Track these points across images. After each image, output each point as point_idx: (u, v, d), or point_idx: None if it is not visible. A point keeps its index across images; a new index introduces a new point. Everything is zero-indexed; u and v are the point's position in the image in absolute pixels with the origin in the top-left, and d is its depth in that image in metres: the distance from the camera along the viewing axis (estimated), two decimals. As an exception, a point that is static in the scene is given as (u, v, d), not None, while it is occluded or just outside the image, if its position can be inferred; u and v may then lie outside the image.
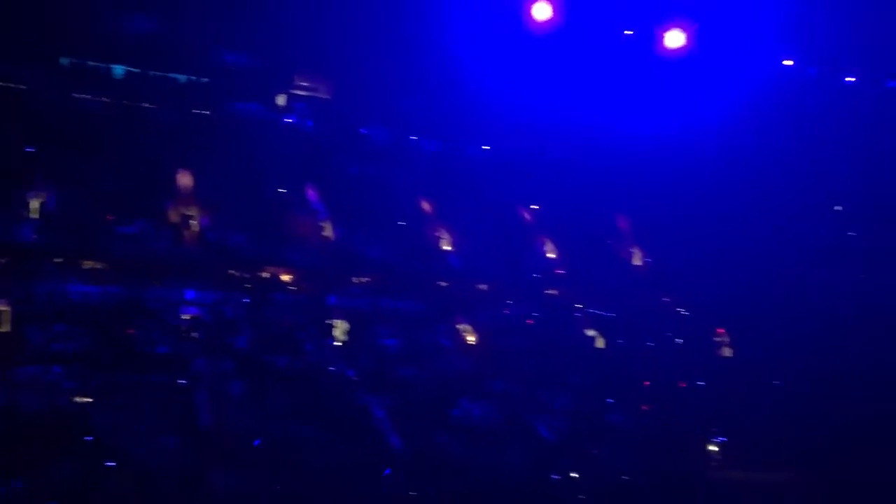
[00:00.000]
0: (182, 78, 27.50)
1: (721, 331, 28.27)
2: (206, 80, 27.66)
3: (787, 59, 26.05)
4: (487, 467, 23.99)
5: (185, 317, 24.35)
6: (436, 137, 29.89)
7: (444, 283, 28.28)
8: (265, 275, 26.34)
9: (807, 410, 25.12)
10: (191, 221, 26.04)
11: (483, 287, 28.44)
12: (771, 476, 24.43)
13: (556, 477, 24.03)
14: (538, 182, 30.44)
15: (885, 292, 25.77)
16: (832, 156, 25.76)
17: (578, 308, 28.80)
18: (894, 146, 24.71)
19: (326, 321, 25.85)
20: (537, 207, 29.34)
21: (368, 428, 23.21)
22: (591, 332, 28.34)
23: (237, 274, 26.00)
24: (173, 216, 26.01)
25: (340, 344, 25.48)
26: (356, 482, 21.31)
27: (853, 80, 25.41)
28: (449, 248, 28.78)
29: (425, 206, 29.28)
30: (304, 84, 29.16)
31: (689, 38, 26.26)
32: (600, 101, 28.95)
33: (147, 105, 26.97)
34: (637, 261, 30.08)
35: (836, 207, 26.69)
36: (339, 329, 25.68)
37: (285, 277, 26.52)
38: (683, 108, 27.46)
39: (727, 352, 28.16)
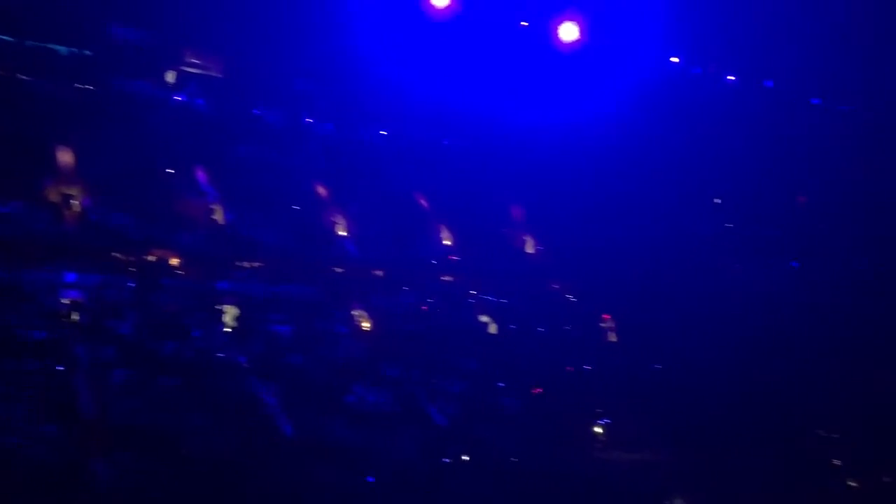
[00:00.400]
0: (63, 50, 26.03)
1: (607, 317, 29.24)
2: (89, 53, 26.28)
3: (674, 57, 27.12)
4: (380, 453, 24.07)
5: (65, 301, 23.21)
6: (331, 121, 29.48)
7: (339, 269, 28.02)
8: (152, 258, 25.38)
9: (686, 393, 26.37)
10: (72, 201, 24.77)
11: (379, 273, 28.35)
12: (652, 456, 25.59)
13: (448, 461, 24.36)
14: (434, 169, 30.54)
15: (760, 281, 27.29)
16: (713, 151, 27.03)
17: (472, 294, 29.14)
18: (770, 143, 26.17)
19: (216, 307, 25.21)
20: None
21: (258, 416, 22.84)
22: (484, 318, 28.75)
23: (122, 257, 24.94)
24: (53, 196, 24.67)
25: (230, 330, 24.91)
26: (246, 471, 20.97)
27: (734, 79, 26.75)
28: (344, 233, 28.51)
29: (320, 190, 28.89)
30: (195, 61, 28.15)
31: (582, 32, 26.92)
32: (496, 90, 29.32)
33: (24, 77, 25.40)
34: (529, 249, 30.68)
35: (716, 200, 28.06)
36: (229, 315, 25.11)
37: (173, 261, 25.64)
38: (576, 101, 28.15)
39: (612, 337, 29.16)
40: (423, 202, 30.24)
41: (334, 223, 28.64)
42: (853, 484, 24.44)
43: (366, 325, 27.16)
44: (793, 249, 27.36)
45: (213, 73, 28.39)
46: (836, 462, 24.96)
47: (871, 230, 26.00)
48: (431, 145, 31.08)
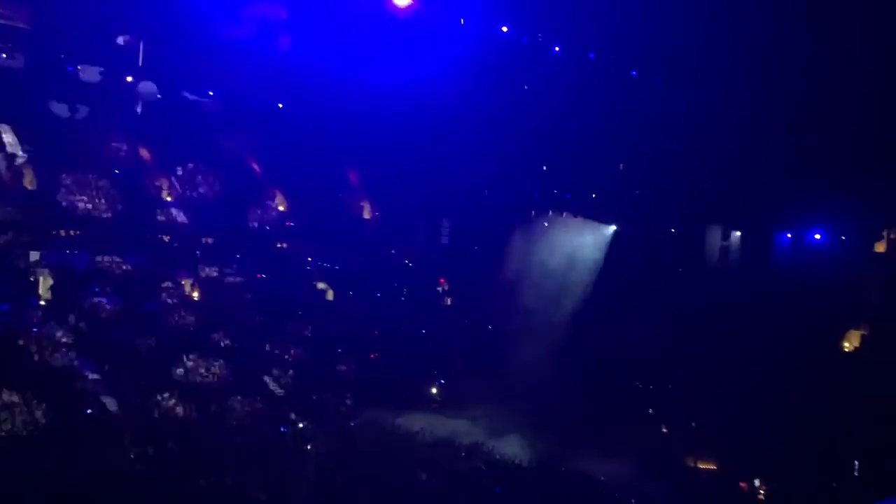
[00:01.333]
0: None
1: (442, 281, 29.80)
2: None
3: (504, 27, 27.62)
4: (214, 425, 23.55)
5: None
6: (155, 81, 27.88)
7: (165, 237, 26.83)
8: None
9: (517, 350, 27.43)
10: None
11: (209, 240, 27.39)
12: (486, 409, 26.58)
13: (285, 429, 24.20)
14: (267, 133, 29.68)
15: (585, 244, 28.72)
16: (540, 118, 27.87)
17: (309, 261, 28.81)
18: (592, 111, 27.30)
19: (30, 278, 23.56)
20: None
21: (78, 392, 21.71)
22: (321, 285, 28.53)
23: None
24: None
25: (45, 303, 23.37)
26: (67, 449, 19.94)
27: (559, 49, 27.63)
28: (170, 199, 27.25)
29: (144, 153, 27.37)
30: (1, 11, 25.74)
31: (415, -2, 26.82)
32: (331, 53, 28.75)
33: None
34: (367, 214, 30.60)
35: (544, 167, 29.06)
36: (44, 286, 23.53)
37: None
38: (410, 66, 28.15)
39: (448, 301, 29.78)
40: (256, 167, 29.39)
41: (160, 188, 27.30)
42: (665, 430, 26.54)
43: (195, 294, 26.28)
44: (612, 213, 28.93)
45: (21, 25, 26.07)
46: (651, 411, 26.97)
47: (686, 195, 27.88)
48: (264, 110, 30.12)
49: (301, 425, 24.75)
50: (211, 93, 28.05)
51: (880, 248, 27.54)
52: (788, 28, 23.70)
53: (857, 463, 23.43)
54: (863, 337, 26.78)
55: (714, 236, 28.62)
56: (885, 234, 27.35)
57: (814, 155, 25.26)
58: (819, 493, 23.17)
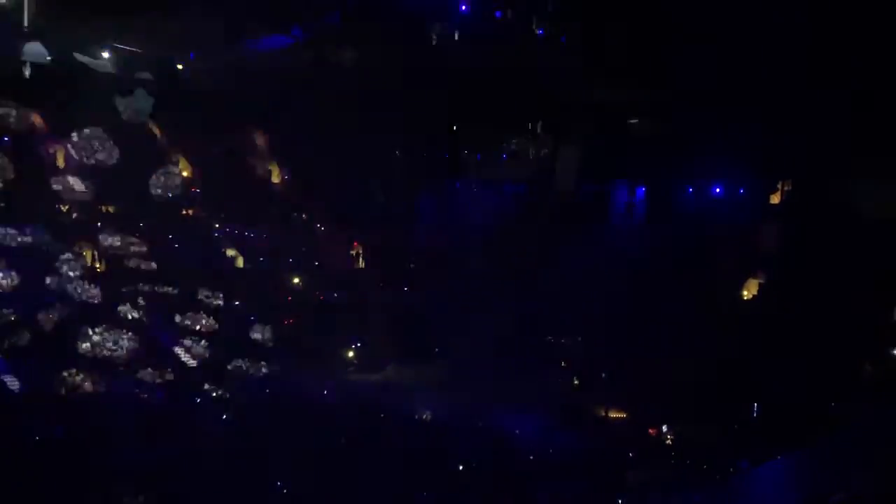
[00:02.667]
0: None
1: (356, 244, 29.61)
2: None
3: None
4: (124, 400, 23.05)
5: None
6: (45, 42, 26.36)
7: (63, 207, 25.72)
8: None
9: (431, 310, 27.65)
10: None
11: (110, 209, 26.41)
12: (405, 373, 26.82)
13: (198, 400, 23.88)
14: (169, 94, 28.57)
15: (502, 208, 29.00)
16: (446, 79, 27.81)
17: (217, 227, 28.15)
18: (497, 70, 27.45)
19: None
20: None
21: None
22: (230, 252, 27.95)
23: None
24: None
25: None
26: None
27: (465, 9, 27.60)
28: (62, 165, 26.04)
29: (36, 120, 26.02)
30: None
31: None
32: (234, 10, 27.75)
33: None
34: (276, 178, 29.98)
35: (454, 127, 29.07)
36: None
37: None
38: (313, 21, 27.54)
39: (360, 263, 29.65)
40: (157, 130, 28.31)
41: (53, 154, 26.02)
42: (576, 382, 27.37)
43: (99, 266, 25.37)
44: (523, 173, 29.29)
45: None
46: (563, 364, 27.75)
47: (592, 153, 28.44)
48: (163, 69, 28.94)
49: (215, 395, 24.49)
50: (106, 54, 26.75)
51: (775, 199, 28.89)
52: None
53: (756, 405, 24.78)
54: (760, 285, 28.17)
55: (619, 192, 29.40)
56: (779, 186, 28.67)
57: (713, 110, 26.09)
58: (722, 434, 24.42)
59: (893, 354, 25.77)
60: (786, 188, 28.45)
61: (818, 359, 24.05)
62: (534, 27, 27.51)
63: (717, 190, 28.63)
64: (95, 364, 23.86)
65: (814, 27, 24.08)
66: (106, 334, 24.22)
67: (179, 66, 28.51)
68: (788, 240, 27.69)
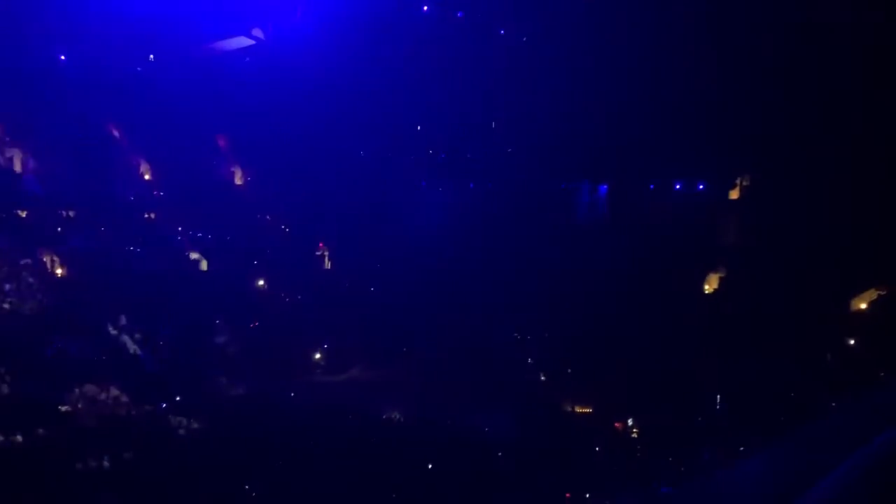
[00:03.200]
0: None
1: (321, 245, 29.49)
2: None
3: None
4: (89, 407, 22.73)
5: None
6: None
7: (21, 212, 25.29)
8: None
9: (398, 310, 27.68)
10: None
11: (70, 214, 26.02)
12: (372, 373, 26.76)
13: (164, 405, 23.63)
14: (129, 97, 28.23)
15: (460, 203, 29.09)
16: (410, 76, 27.84)
17: (180, 231, 27.87)
18: (463, 69, 27.59)
19: None
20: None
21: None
22: (194, 255, 27.69)
23: None
24: None
25: None
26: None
27: (427, 9, 27.68)
28: (23, 170, 25.60)
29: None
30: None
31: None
32: (196, 13, 27.52)
33: None
34: (238, 180, 29.76)
35: (418, 127, 29.15)
36: None
37: None
38: (274, 27, 27.44)
39: (328, 264, 29.55)
40: (117, 133, 27.95)
41: (10, 159, 25.56)
42: (543, 377, 27.59)
43: (59, 271, 24.99)
44: (480, 171, 29.49)
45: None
46: (529, 360, 27.93)
47: (554, 152, 28.74)
48: (124, 71, 28.54)
49: (178, 400, 24.24)
50: (62, 56, 26.38)
51: (734, 195, 29.44)
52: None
53: (719, 398, 25.21)
54: (720, 279, 28.67)
55: (581, 190, 29.73)
56: (738, 181, 29.22)
57: (672, 109, 26.53)
58: (686, 427, 24.80)
59: (852, 345, 26.38)
60: (744, 184, 29.00)
61: (780, 351, 24.58)
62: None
63: (677, 187, 29.10)
64: (56, 372, 23.47)
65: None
66: (66, 341, 23.86)
67: (139, 69, 28.25)
68: (748, 234, 28.24)
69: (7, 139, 25.77)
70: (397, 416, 24.70)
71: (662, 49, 26.35)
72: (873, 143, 25.72)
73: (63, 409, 21.96)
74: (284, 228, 29.52)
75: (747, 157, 27.87)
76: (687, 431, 24.23)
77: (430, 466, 21.71)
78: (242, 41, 28.70)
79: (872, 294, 26.91)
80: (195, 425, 22.67)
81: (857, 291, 26.99)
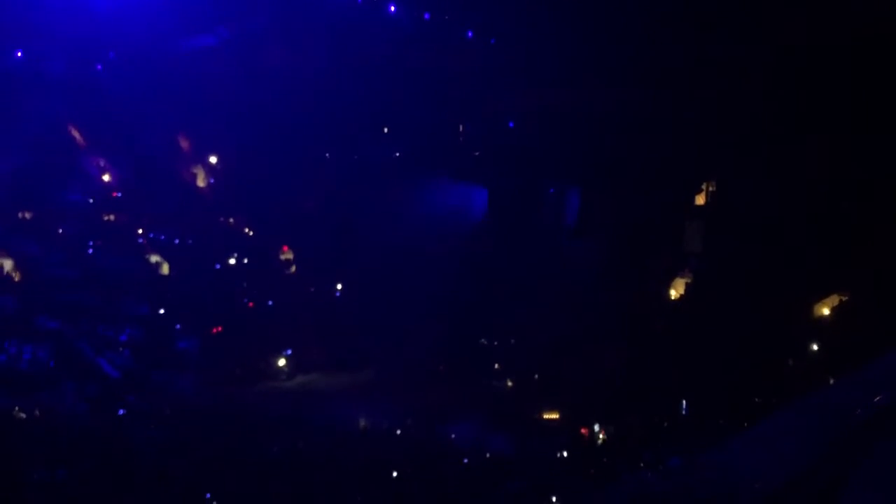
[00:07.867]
0: None
1: (286, 248, 29.11)
2: None
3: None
4: (43, 414, 22.12)
5: None
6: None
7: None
8: None
9: (363, 316, 27.38)
10: None
11: (26, 216, 25.40)
12: (335, 377, 26.42)
13: (123, 412, 23.07)
14: (88, 97, 27.66)
15: (437, 202, 28.98)
16: (380, 80, 27.65)
17: (140, 234, 27.34)
18: (428, 71, 27.48)
19: None
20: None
21: None
22: (154, 258, 27.18)
23: None
24: None
25: None
26: None
27: (395, 10, 27.71)
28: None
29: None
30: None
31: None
32: (159, 11, 27.06)
33: None
34: (201, 182, 29.28)
35: (385, 129, 28.93)
36: None
37: None
38: (240, 27, 27.11)
39: (292, 269, 29.16)
40: (76, 134, 27.37)
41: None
42: (510, 384, 27.48)
43: (16, 275, 24.35)
44: (445, 175, 29.36)
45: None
46: (496, 366, 27.83)
47: (514, 155, 28.75)
48: (82, 70, 27.96)
49: (137, 407, 23.68)
50: (19, 54, 25.78)
51: (700, 200, 29.62)
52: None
53: (684, 402, 25.25)
54: (686, 284, 28.78)
55: (541, 195, 29.78)
56: (703, 187, 29.40)
57: (635, 115, 26.68)
58: (652, 431, 24.80)
59: (814, 349, 26.62)
60: (710, 189, 29.19)
61: (742, 355, 24.70)
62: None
63: (643, 194, 29.16)
64: (12, 378, 22.84)
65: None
66: (22, 346, 23.25)
67: (99, 67, 27.73)
68: (712, 240, 28.41)
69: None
70: (362, 423, 24.35)
71: (630, 57, 26.50)
72: (835, 151, 26.05)
73: (18, 416, 21.31)
74: (248, 231, 29.10)
75: (714, 164, 28.09)
76: (651, 434, 24.24)
77: (394, 474, 21.42)
78: (206, 41, 28.33)
79: (835, 300, 27.22)
80: (154, 433, 22.14)
81: (820, 297, 27.28)
